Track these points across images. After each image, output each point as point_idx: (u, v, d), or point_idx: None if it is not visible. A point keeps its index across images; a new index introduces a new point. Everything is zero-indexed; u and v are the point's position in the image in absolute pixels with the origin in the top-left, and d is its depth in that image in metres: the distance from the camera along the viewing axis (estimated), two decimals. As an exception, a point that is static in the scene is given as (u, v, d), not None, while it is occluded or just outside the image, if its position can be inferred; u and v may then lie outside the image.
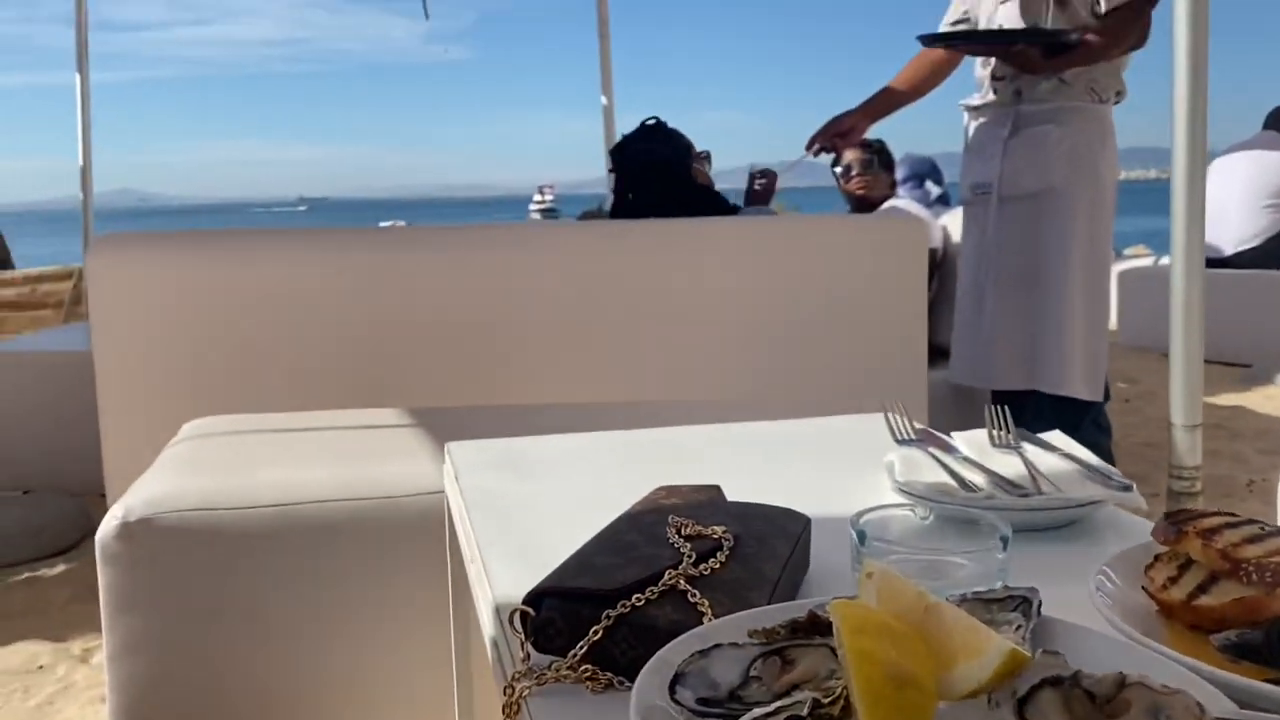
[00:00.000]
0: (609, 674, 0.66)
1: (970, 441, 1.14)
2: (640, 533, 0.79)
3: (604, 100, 4.88)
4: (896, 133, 4.04)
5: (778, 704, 0.52)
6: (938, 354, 2.92)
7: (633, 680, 0.58)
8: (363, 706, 1.43)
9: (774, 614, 0.65)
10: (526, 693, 0.65)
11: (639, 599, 0.68)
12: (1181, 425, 2.05)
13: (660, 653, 0.60)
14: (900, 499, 0.99)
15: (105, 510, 1.38)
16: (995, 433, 1.14)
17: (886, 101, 2.98)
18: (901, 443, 1.14)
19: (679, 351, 2.44)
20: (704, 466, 1.20)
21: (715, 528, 0.78)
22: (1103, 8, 2.60)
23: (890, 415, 1.20)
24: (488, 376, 2.25)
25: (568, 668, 0.66)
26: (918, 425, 1.20)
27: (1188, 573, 0.73)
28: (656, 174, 2.62)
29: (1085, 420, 2.68)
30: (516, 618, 0.70)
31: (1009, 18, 2.72)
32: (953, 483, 1.00)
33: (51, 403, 3.10)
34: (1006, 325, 2.75)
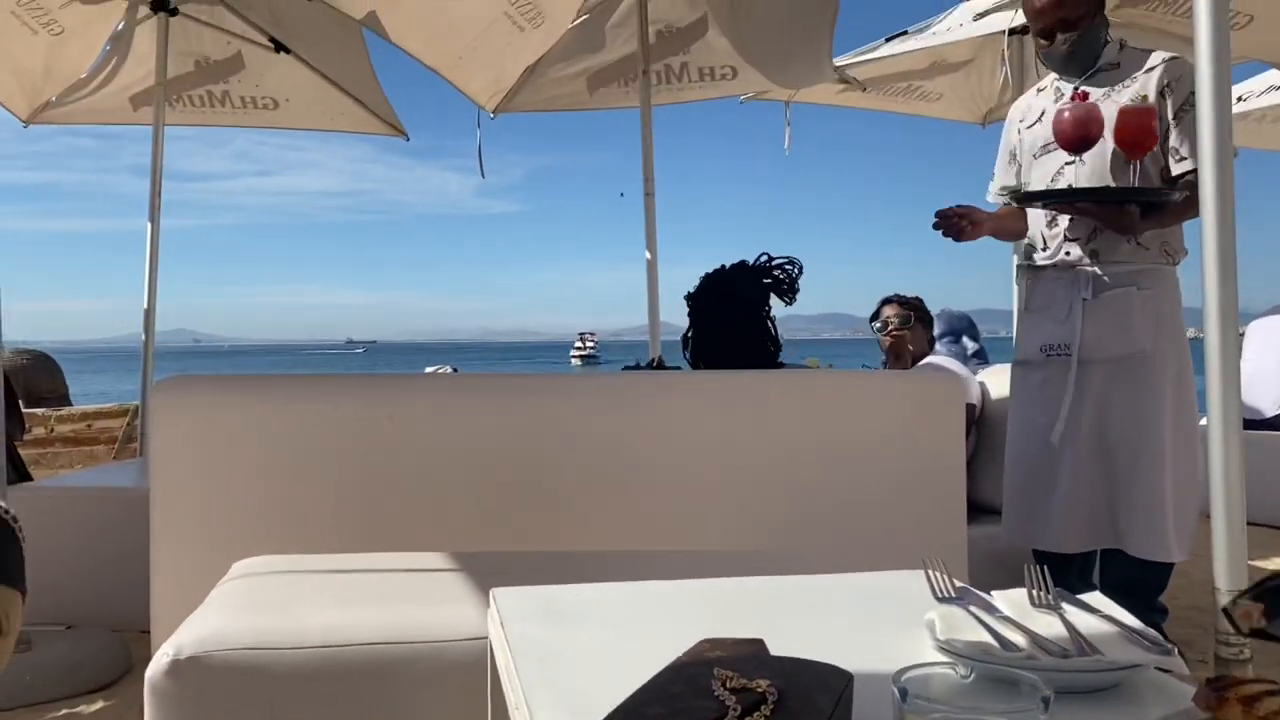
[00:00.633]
0: (656, 823, 0.67)
1: (1010, 601, 1.15)
2: (686, 684, 0.81)
3: (648, 255, 5.04)
4: (934, 288, 4.17)
5: None
6: (976, 511, 2.90)
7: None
8: None
9: (817, 768, 0.67)
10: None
11: (686, 749, 0.70)
12: (1225, 590, 2.03)
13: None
14: (941, 657, 1.00)
15: (146, 646, 1.41)
16: (1035, 593, 1.16)
17: (1006, 221, 2.95)
18: (942, 600, 1.16)
19: (717, 501, 2.46)
20: (746, 619, 1.21)
21: (760, 681, 0.80)
22: (1172, 171, 2.64)
23: (930, 572, 1.21)
24: (529, 522, 2.28)
25: (616, 816, 0.68)
26: (958, 583, 1.22)
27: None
28: (736, 312, 2.67)
29: (1156, 580, 2.67)
30: (566, 764, 0.72)
31: (1079, 180, 2.73)
32: (994, 642, 1.01)
33: (97, 538, 3.16)
34: (1087, 488, 2.71)
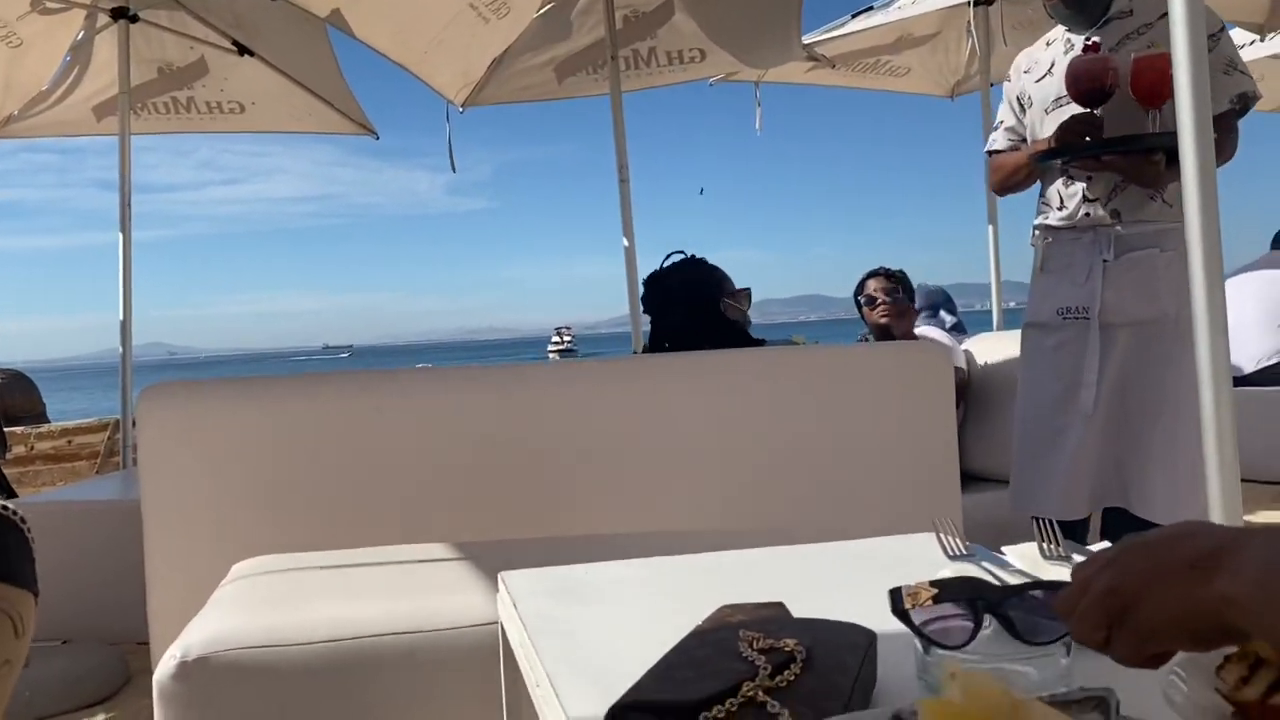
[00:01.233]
0: (695, 784, 0.67)
1: (1022, 555, 1.15)
2: (713, 648, 0.81)
3: (625, 242, 5.02)
4: (909, 264, 4.13)
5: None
6: (967, 479, 2.89)
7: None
8: None
9: (856, 718, 0.66)
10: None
11: (719, 710, 0.70)
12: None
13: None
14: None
15: (144, 658, 1.39)
16: (1046, 546, 1.16)
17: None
18: (954, 558, 1.16)
19: (714, 480, 2.46)
20: (760, 588, 1.20)
21: (787, 641, 0.79)
22: None
23: (941, 533, 1.21)
24: (525, 510, 2.27)
25: (654, 779, 0.67)
26: (967, 543, 1.22)
27: (1259, 671, 0.73)
28: (687, 309, 2.68)
29: None
30: (600, 732, 0.71)
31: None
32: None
33: (90, 552, 3.12)
34: (1098, 452, 2.64)
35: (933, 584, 0.81)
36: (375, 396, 2.22)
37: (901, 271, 3.96)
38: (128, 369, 4.82)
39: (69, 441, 5.43)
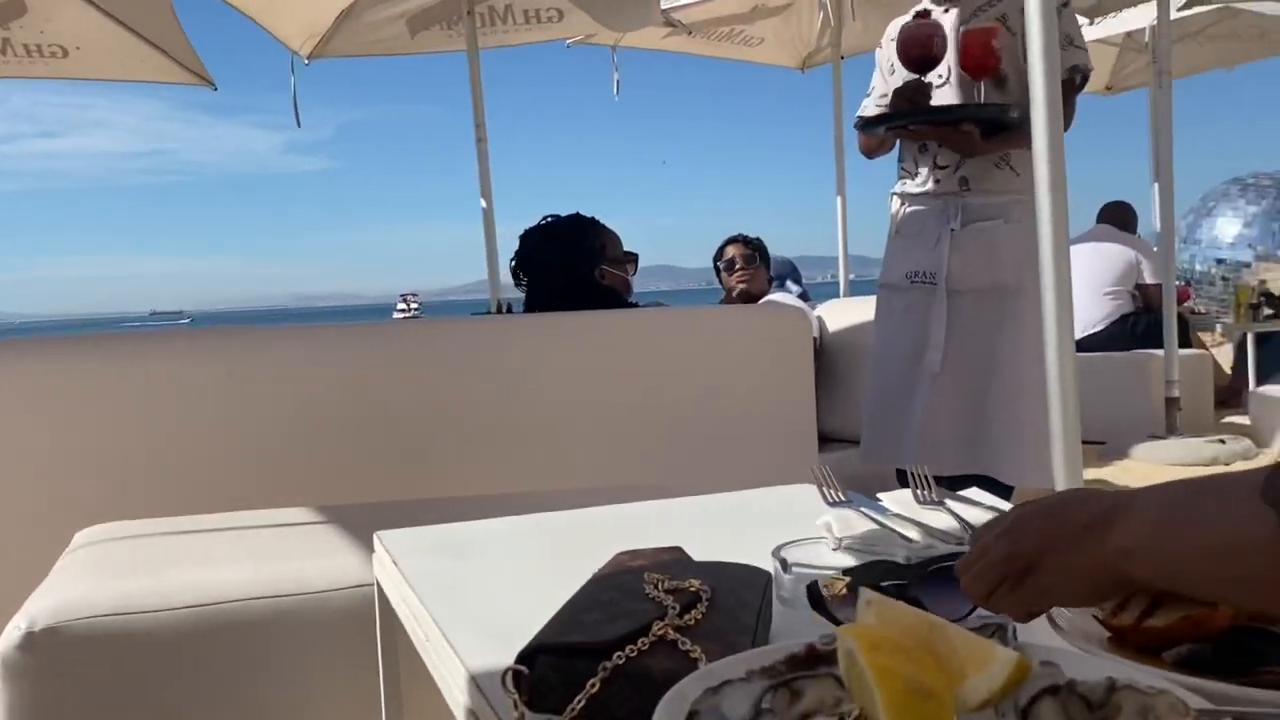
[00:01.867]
0: (609, 726, 0.66)
1: (898, 500, 1.19)
2: (617, 590, 0.80)
3: (483, 204, 4.93)
4: (757, 235, 4.19)
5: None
6: (820, 440, 2.98)
7: (634, 730, 0.59)
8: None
9: (770, 653, 0.67)
10: (530, 750, 0.65)
11: (632, 650, 0.69)
12: (1065, 491, 2.16)
13: (674, 690, 0.61)
14: (853, 560, 1.02)
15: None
16: (920, 492, 1.20)
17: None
18: (834, 505, 1.18)
19: (578, 440, 2.45)
20: (644, 540, 1.21)
21: (691, 581, 0.79)
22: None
23: (820, 481, 1.24)
24: (393, 475, 2.21)
25: (569, 721, 0.66)
26: (845, 491, 1.25)
27: (1134, 598, 0.78)
28: (559, 272, 2.62)
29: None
30: (509, 678, 0.69)
31: (944, 100, 2.72)
32: (894, 534, 1.05)
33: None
34: (951, 412, 2.73)
35: (845, 572, 0.84)
36: (229, 357, 2.11)
37: (759, 239, 4.04)
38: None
39: None
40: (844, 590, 0.82)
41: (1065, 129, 2.69)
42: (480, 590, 1.04)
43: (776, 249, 4.11)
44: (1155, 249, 5.58)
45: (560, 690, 0.68)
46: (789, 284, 4.56)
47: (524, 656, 0.70)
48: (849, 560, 1.01)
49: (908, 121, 2.73)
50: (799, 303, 3.84)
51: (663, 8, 5.06)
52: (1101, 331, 5.59)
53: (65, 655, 1.24)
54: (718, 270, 3.92)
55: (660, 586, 0.78)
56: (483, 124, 4.84)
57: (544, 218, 2.67)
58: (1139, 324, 5.64)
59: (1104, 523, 0.66)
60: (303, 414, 2.17)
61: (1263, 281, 7.13)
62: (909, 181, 2.85)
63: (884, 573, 0.84)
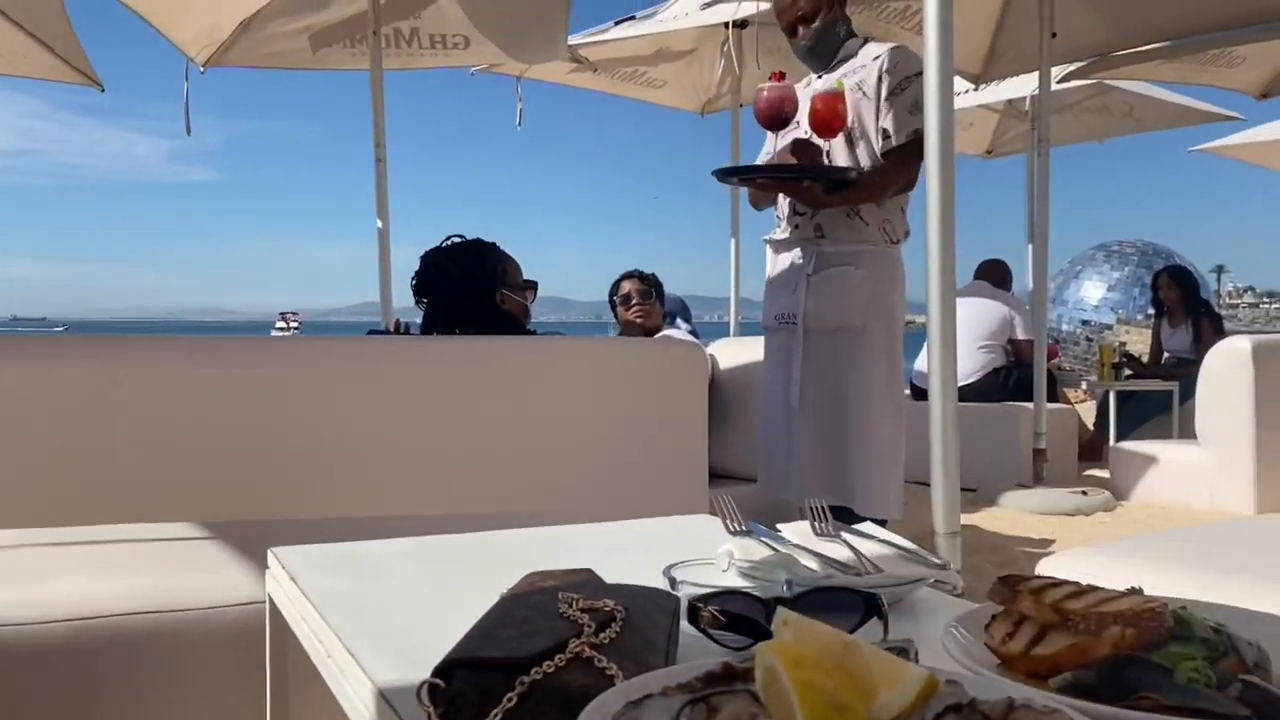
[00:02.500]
0: (524, 741, 0.66)
1: (796, 531, 1.23)
2: (531, 609, 0.81)
3: (379, 224, 4.87)
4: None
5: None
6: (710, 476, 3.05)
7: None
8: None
9: (687, 670, 0.68)
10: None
11: (549, 666, 0.70)
12: (944, 533, 2.26)
13: (595, 702, 0.62)
14: (743, 582, 1.05)
15: None
16: (817, 524, 1.24)
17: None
18: (735, 533, 1.21)
19: (468, 466, 2.43)
20: (549, 563, 1.21)
21: (606, 601, 0.81)
22: (878, 150, 2.88)
23: (722, 509, 1.27)
24: (280, 494, 2.16)
25: (485, 736, 0.66)
26: (745, 520, 1.28)
27: (1022, 627, 0.82)
28: (460, 294, 2.60)
29: None
30: (424, 692, 0.69)
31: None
32: (793, 561, 1.08)
33: None
34: (814, 447, 2.93)
35: (703, 599, 0.88)
36: (114, 365, 2.03)
37: (654, 275, 4.09)
38: None
39: None
40: (711, 615, 0.86)
41: (906, 187, 2.92)
42: (383, 608, 1.03)
43: (668, 287, 4.19)
44: (1027, 306, 5.85)
45: (476, 705, 0.68)
46: (679, 321, 4.62)
47: (440, 670, 0.70)
48: (739, 582, 1.04)
49: (756, 176, 3.00)
50: (690, 338, 3.90)
51: (570, 43, 5.11)
52: (975, 383, 5.82)
53: (-73, 669, 1.18)
54: (613, 304, 3.96)
55: (575, 605, 0.79)
56: (383, 144, 4.80)
57: (447, 237, 2.66)
58: (1010, 377, 5.89)
59: None
60: (189, 427, 2.10)
61: (1123, 343, 7.56)
62: (776, 229, 3.10)
63: (739, 604, 0.87)
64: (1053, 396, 5.78)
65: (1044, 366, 5.09)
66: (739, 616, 0.86)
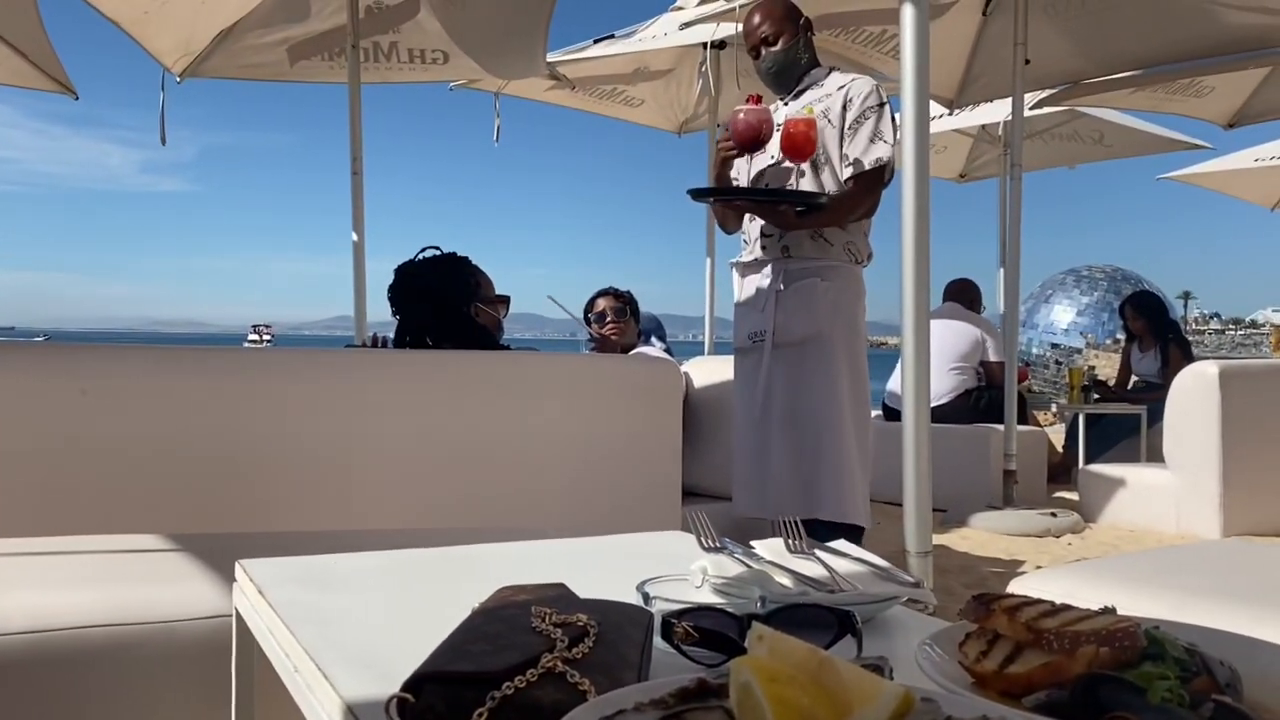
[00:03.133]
0: (496, 756, 0.65)
1: (770, 548, 1.22)
2: (503, 623, 0.80)
3: (354, 237, 4.85)
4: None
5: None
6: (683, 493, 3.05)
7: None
8: None
9: (661, 686, 0.68)
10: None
11: (521, 681, 0.69)
12: (915, 553, 2.26)
13: (566, 718, 0.61)
14: (717, 598, 1.04)
15: None
16: (791, 541, 1.24)
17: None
18: (709, 550, 1.21)
19: (443, 479, 2.42)
20: (523, 577, 1.20)
21: (579, 615, 0.80)
22: (841, 176, 2.97)
23: (696, 526, 1.26)
24: (247, 506, 2.13)
25: (456, 751, 0.65)
26: (719, 537, 1.27)
27: (996, 646, 0.82)
28: (435, 307, 2.61)
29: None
30: (394, 706, 0.68)
31: (774, 182, 3.06)
32: (766, 578, 1.07)
33: None
34: (784, 454, 2.96)
35: (677, 615, 0.87)
36: (84, 375, 2.01)
37: (629, 293, 4.09)
38: None
39: None
40: (684, 630, 0.85)
41: (867, 213, 3.01)
42: (352, 622, 1.02)
43: (643, 306, 4.19)
44: (999, 329, 5.90)
45: (447, 719, 0.67)
46: (653, 340, 4.62)
47: (410, 685, 0.69)
48: (712, 598, 1.03)
49: (732, 197, 3.06)
50: (665, 356, 3.89)
51: (548, 60, 5.12)
52: (946, 404, 5.85)
53: (-119, 681, 1.15)
54: (588, 321, 3.95)
55: (548, 620, 0.79)
56: (359, 157, 4.78)
57: (422, 249, 2.66)
58: (981, 399, 5.93)
59: None
60: (158, 438, 2.07)
61: (1092, 367, 7.62)
62: (743, 253, 3.17)
63: (713, 620, 0.86)
64: (1023, 419, 5.82)
65: (1015, 389, 5.12)
66: (713, 633, 0.86)
